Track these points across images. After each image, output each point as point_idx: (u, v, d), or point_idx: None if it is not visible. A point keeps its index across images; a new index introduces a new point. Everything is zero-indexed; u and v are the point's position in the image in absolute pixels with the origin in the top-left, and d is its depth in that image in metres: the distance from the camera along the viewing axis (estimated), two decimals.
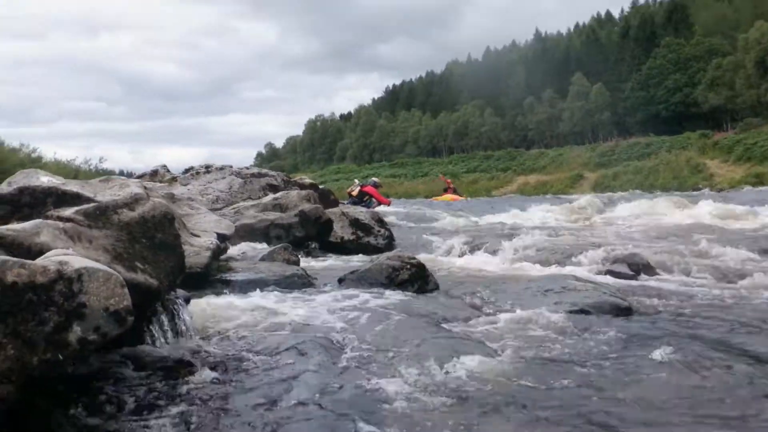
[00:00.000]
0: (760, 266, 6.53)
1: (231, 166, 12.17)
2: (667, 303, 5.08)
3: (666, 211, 13.56)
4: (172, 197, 5.25)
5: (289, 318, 4.19)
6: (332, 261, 7.77)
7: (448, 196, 26.73)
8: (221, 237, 5.20)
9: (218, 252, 4.90)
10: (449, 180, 31.25)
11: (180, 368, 3.14)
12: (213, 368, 3.22)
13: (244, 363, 3.32)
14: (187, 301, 3.76)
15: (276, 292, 5.10)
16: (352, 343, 3.68)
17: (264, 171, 12.37)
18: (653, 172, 46.75)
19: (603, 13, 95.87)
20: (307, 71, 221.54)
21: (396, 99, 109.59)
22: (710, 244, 7.86)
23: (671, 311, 4.76)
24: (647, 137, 58.02)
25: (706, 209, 12.84)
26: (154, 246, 2.74)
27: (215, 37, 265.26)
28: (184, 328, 3.54)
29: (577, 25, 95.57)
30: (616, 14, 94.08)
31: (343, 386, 3.01)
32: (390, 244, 8.97)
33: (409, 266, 5.54)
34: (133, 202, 2.71)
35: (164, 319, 3.40)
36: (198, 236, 4.68)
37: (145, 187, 2.99)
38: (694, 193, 25.83)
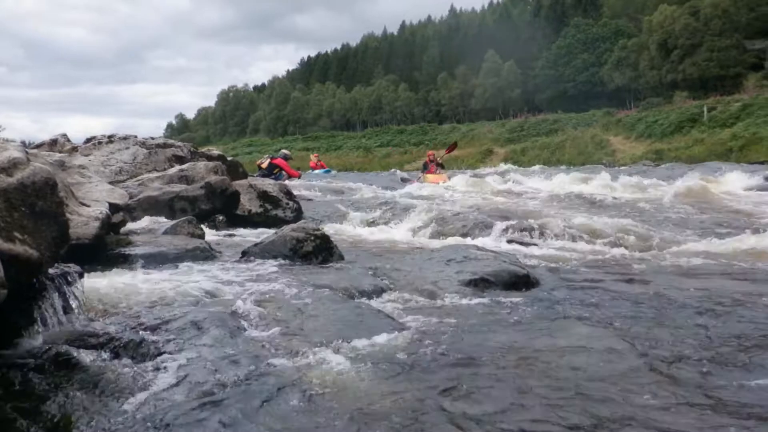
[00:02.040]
0: (651, 235, 6.81)
1: (135, 136, 11.76)
2: (562, 269, 5.25)
3: (567, 184, 13.95)
4: (61, 164, 5.03)
5: (188, 292, 4.10)
6: (238, 234, 7.65)
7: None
8: (114, 207, 5.02)
9: (108, 222, 4.71)
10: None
11: (64, 351, 3.01)
12: (101, 347, 3.11)
13: (136, 341, 3.20)
14: (81, 276, 3.60)
15: (177, 266, 4.98)
16: (252, 317, 3.63)
17: (170, 142, 12.01)
18: (560, 148, 47.96)
19: None
20: (222, 41, 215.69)
21: (311, 71, 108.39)
22: (601, 214, 8.14)
23: (566, 277, 4.93)
24: (555, 114, 59.42)
25: (602, 182, 13.31)
26: (35, 214, 2.59)
27: (126, 1, 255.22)
28: (75, 305, 3.37)
29: (491, 3, 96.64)
30: None
31: (241, 361, 2.96)
32: (298, 216, 8.88)
33: (313, 238, 5.50)
34: (11, 167, 2.55)
35: (54, 296, 3.22)
36: (87, 206, 4.49)
37: (27, 152, 2.82)
38: (596, 167, 26.63)
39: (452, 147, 24.13)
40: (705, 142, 38.80)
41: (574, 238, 6.80)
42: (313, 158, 30.69)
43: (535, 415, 2.45)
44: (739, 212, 8.59)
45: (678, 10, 59.74)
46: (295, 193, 10.31)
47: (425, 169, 20.29)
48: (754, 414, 2.42)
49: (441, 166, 20.18)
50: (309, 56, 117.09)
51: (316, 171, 27.87)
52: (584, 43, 67.91)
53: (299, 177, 16.52)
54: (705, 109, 44.22)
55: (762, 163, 26.56)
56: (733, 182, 13.00)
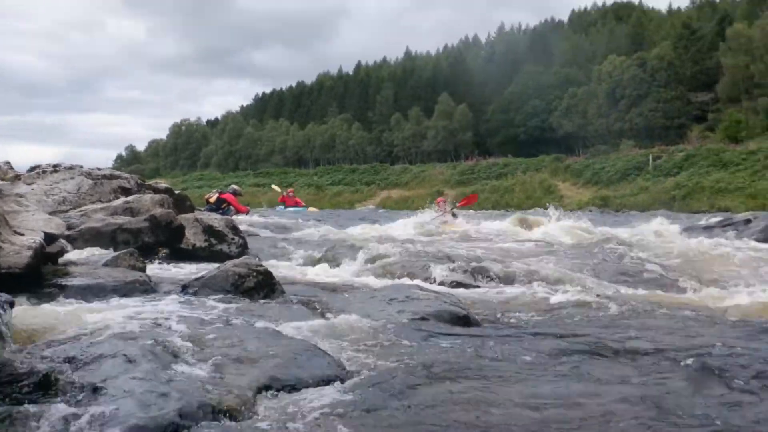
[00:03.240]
0: (593, 277, 6.94)
1: (81, 166, 11.58)
2: (505, 312, 5.31)
3: (515, 228, 14.14)
4: None
5: (123, 325, 4.02)
6: (181, 268, 7.56)
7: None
8: (50, 237, 4.93)
9: (41, 251, 4.62)
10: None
11: None
12: (21, 381, 3.03)
13: (64, 373, 3.14)
14: (11, 305, 3.52)
15: (114, 299, 4.90)
16: (187, 352, 3.57)
17: (117, 173, 11.85)
18: (509, 192, 48.67)
19: (471, 37, 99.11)
20: (177, 73, 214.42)
21: (265, 107, 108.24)
22: (549, 257, 8.26)
23: (507, 320, 4.99)
24: (505, 158, 60.33)
25: (550, 227, 13.52)
26: None
27: (82, 31, 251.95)
28: (3, 335, 3.28)
29: (445, 47, 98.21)
30: (482, 39, 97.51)
31: (171, 396, 2.91)
32: (243, 252, 8.81)
33: (255, 273, 5.46)
34: None
35: None
36: (21, 234, 4.40)
37: None
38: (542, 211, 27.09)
39: (470, 199, 21.27)
40: (650, 190, 39.77)
41: (514, 282, 6.90)
42: (288, 192, 28.67)
43: None
44: (681, 261, 8.78)
45: (626, 60, 61.67)
46: (242, 228, 10.25)
47: (438, 216, 17.21)
48: None
49: (453, 215, 17.43)
50: (264, 92, 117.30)
51: (289, 208, 25.67)
52: (535, 90, 69.31)
53: (247, 213, 16.43)
54: (650, 158, 45.41)
55: (704, 212, 27.33)
56: (675, 232, 13.32)
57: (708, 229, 13.52)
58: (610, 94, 61.01)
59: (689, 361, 3.65)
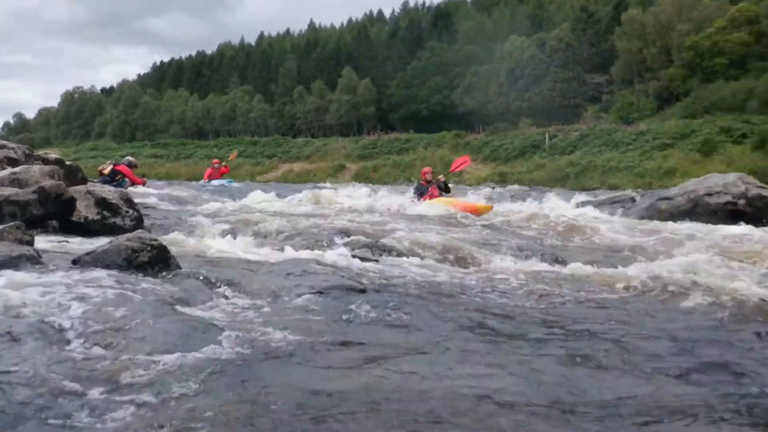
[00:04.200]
0: (488, 252, 7.14)
1: None
2: (400, 285, 5.40)
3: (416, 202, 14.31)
4: None
5: (8, 301, 3.88)
6: (72, 242, 7.32)
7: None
8: None
9: None
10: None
11: None
12: None
13: None
14: None
15: None
16: (76, 328, 3.50)
17: (2, 142, 11.36)
18: (410, 167, 49.08)
19: (375, 12, 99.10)
20: (72, 39, 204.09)
21: (163, 77, 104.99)
22: (449, 233, 8.43)
23: (402, 292, 5.08)
24: (407, 134, 60.78)
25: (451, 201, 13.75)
26: None
27: None
28: None
29: (350, 21, 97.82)
30: (387, 14, 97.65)
31: (59, 373, 2.87)
32: (138, 225, 8.57)
33: (149, 248, 5.35)
34: None
35: None
36: None
37: None
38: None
39: (461, 162, 17.53)
40: (545, 168, 40.95)
41: (412, 256, 7.00)
42: (214, 164, 25.54)
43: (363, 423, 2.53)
44: (567, 236, 9.13)
45: (527, 41, 63.01)
46: (138, 201, 10.00)
47: (421, 193, 14.10)
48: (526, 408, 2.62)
49: (445, 188, 14.48)
50: (162, 61, 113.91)
51: (213, 182, 23.02)
52: (438, 67, 69.91)
53: (144, 185, 16.00)
54: (547, 136, 46.71)
55: (595, 189, 28.40)
56: (565, 207, 13.80)
57: (598, 206, 14.10)
58: (511, 73, 62.30)
59: (572, 331, 3.85)
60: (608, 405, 2.85)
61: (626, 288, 5.45)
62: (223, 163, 26.33)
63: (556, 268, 6.55)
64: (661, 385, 3.12)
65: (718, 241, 8.11)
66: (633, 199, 14.64)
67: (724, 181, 11.63)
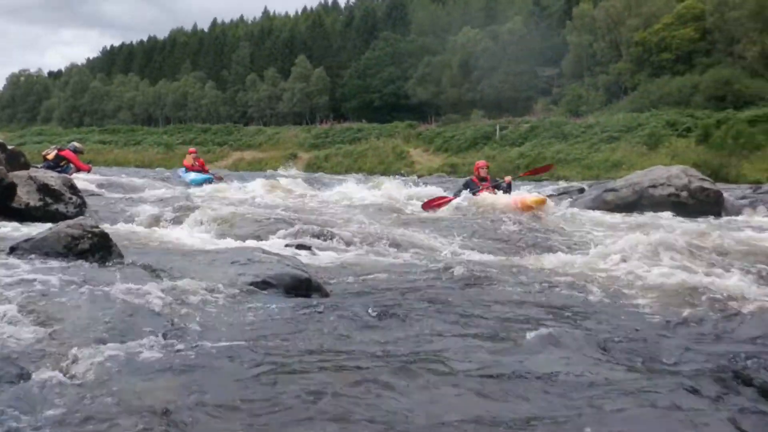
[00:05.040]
0: (433, 244, 7.22)
1: None
2: (345, 273, 5.44)
3: (365, 192, 14.35)
4: None
5: None
6: (11, 228, 7.19)
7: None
8: None
9: None
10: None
11: None
12: None
13: None
14: None
15: None
16: (12, 317, 3.45)
17: None
18: (362, 156, 49.11)
19: (330, 1, 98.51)
20: (18, 20, 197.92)
21: (113, 61, 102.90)
22: (394, 221, 8.49)
23: (348, 281, 5.13)
24: (360, 123, 60.72)
25: (400, 192, 13.85)
26: None
27: None
28: None
29: (304, 9, 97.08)
30: (342, 3, 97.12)
31: None
32: (81, 212, 8.47)
33: (90, 235, 5.28)
34: None
35: None
36: None
37: None
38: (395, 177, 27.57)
39: (543, 169, 16.56)
40: (496, 159, 41.25)
41: (359, 245, 7.04)
42: (188, 157, 21.08)
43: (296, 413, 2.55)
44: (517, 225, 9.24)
45: (480, 33, 63.34)
46: (81, 187, 9.85)
47: (471, 189, 11.89)
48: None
49: (498, 187, 12.07)
50: (112, 45, 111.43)
51: (192, 176, 19.24)
52: (392, 57, 69.85)
53: (89, 171, 15.68)
54: (498, 128, 47.13)
55: (543, 180, 28.79)
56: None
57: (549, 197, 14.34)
58: (464, 64, 62.55)
59: (519, 314, 3.93)
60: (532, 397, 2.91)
61: (566, 275, 5.55)
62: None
63: (509, 256, 6.64)
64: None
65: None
66: (582, 190, 14.91)
67: (668, 174, 11.92)
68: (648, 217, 10.34)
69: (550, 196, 14.57)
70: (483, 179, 12.06)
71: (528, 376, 3.02)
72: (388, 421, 2.52)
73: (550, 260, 6.31)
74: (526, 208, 10.27)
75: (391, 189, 14.16)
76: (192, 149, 23.05)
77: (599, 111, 47.63)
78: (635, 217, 10.38)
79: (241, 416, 2.53)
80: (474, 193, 11.75)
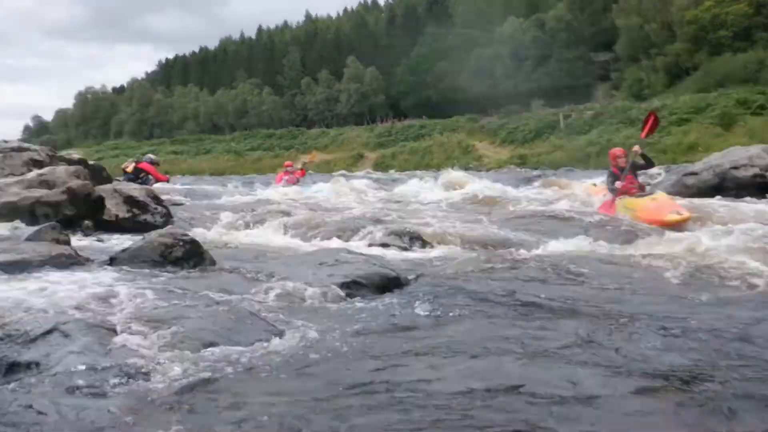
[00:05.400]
0: (521, 239, 7.13)
1: None
2: (432, 272, 5.42)
3: (443, 188, 14.29)
4: None
5: (53, 299, 3.97)
6: (106, 240, 7.42)
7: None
8: None
9: None
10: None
11: None
12: None
13: None
14: None
15: (41, 273, 4.78)
16: (121, 324, 3.55)
17: (26, 145, 11.46)
18: (428, 153, 49.05)
19: (370, 0, 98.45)
20: (74, 40, 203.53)
21: (170, 73, 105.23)
22: (478, 218, 8.42)
23: (434, 280, 5.08)
24: (421, 120, 60.64)
25: (477, 187, 13.70)
26: None
27: None
28: None
29: (345, 10, 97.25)
30: (381, 1, 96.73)
31: (111, 368, 2.90)
32: (168, 221, 8.69)
33: (182, 243, 5.41)
34: None
35: None
36: None
37: None
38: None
39: (653, 124, 11.74)
40: (565, 148, 40.68)
41: (443, 242, 7.01)
42: (286, 167, 20.09)
43: (410, 416, 2.54)
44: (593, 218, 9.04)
45: (525, 22, 62.38)
46: (164, 197, 10.09)
47: (613, 181, 10.13)
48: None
49: (646, 164, 10.44)
50: (167, 58, 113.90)
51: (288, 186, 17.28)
52: (440, 52, 69.09)
53: (168, 181, 16.08)
54: (561, 116, 46.44)
55: None
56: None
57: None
58: (515, 55, 61.65)
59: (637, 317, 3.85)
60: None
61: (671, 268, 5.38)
62: (298, 166, 21.47)
63: (595, 250, 6.49)
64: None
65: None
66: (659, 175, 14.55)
67: (748, 154, 11.55)
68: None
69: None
70: (623, 169, 10.05)
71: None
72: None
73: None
74: (666, 224, 8.38)
75: (467, 183, 14.04)
76: (288, 162, 22.32)
77: (663, 93, 46.41)
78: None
79: (354, 417, 2.52)
80: (613, 187, 10.01)
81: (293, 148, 62.21)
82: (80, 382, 2.77)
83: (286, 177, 19.51)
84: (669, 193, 10.48)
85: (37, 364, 2.96)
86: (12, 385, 2.75)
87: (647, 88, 49.97)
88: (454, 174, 15.65)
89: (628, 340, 3.39)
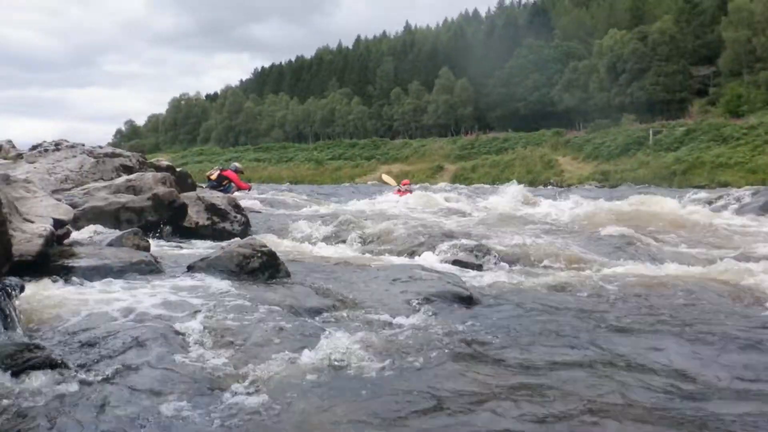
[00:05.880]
0: (595, 259, 6.98)
1: (83, 145, 11.63)
2: (506, 291, 5.36)
3: (518, 204, 14.15)
4: (6, 179, 4.94)
5: (132, 307, 4.06)
6: (185, 247, 7.59)
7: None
8: (58, 222, 4.95)
9: (52, 239, 4.65)
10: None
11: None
12: (32, 364, 3.07)
13: (77, 356, 3.20)
14: (21, 289, 3.57)
15: (121, 280, 4.91)
16: (196, 334, 3.62)
17: (118, 151, 11.91)
18: (509, 167, 48.64)
19: (471, 11, 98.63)
20: (176, 48, 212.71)
21: (264, 82, 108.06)
22: (552, 236, 8.29)
23: (509, 299, 5.03)
24: (506, 133, 60.26)
25: (552, 204, 13.51)
26: None
27: (80, 4, 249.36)
28: (14, 319, 3.33)
29: (445, 21, 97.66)
30: (482, 13, 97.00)
31: (184, 380, 2.97)
32: (246, 230, 8.86)
33: (260, 254, 5.48)
34: None
35: None
36: (31, 222, 4.42)
37: None
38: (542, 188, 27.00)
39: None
40: (650, 165, 39.72)
41: (518, 260, 6.92)
42: (402, 185, 19.35)
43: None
44: (684, 237, 8.83)
45: (627, 34, 61.30)
46: (244, 205, 10.29)
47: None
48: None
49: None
50: (263, 66, 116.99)
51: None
52: (536, 64, 68.81)
53: (249, 189, 16.42)
54: (651, 132, 45.31)
55: (702, 187, 27.34)
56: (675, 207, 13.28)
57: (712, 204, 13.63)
58: (611, 68, 60.73)
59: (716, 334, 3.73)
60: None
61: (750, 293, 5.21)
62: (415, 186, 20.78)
63: (675, 271, 6.31)
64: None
65: None
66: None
67: None
68: None
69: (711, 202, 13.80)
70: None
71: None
72: None
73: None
74: None
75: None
76: (405, 181, 21.75)
77: (762, 111, 44.72)
78: None
79: None
80: None
81: (374, 158, 62.66)
82: (152, 392, 2.85)
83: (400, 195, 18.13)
84: (758, 215, 10.89)
85: (112, 372, 3.03)
86: (86, 392, 2.82)
87: (746, 104, 48.24)
88: (512, 189, 15.40)
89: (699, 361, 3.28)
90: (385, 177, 22.53)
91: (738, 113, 46.34)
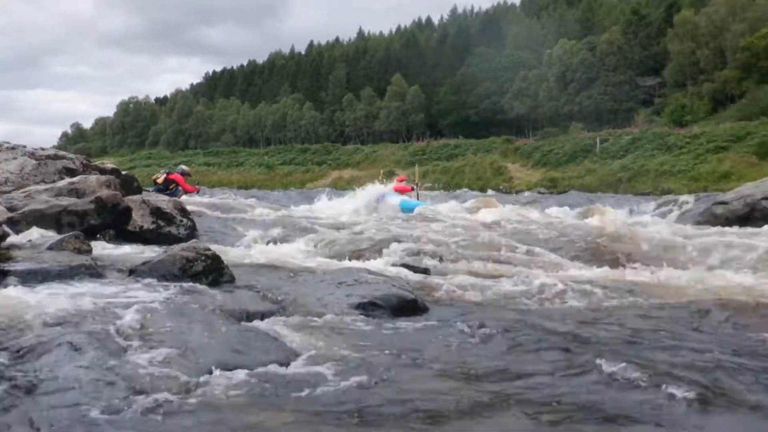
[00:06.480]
0: (544, 261, 7.07)
1: (24, 146, 11.36)
2: (449, 295, 5.40)
3: (468, 210, 14.24)
4: None
5: (69, 311, 3.96)
6: (128, 251, 7.43)
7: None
8: None
9: None
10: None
11: None
12: None
13: (7, 362, 3.13)
14: None
15: (59, 284, 4.82)
16: (134, 338, 3.55)
17: (61, 153, 11.65)
18: (459, 173, 49.04)
19: (423, 19, 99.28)
20: (126, 50, 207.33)
21: (215, 86, 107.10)
22: (501, 240, 8.35)
23: (453, 303, 5.08)
24: (456, 140, 60.70)
25: (504, 210, 13.63)
26: None
27: (27, 3, 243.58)
28: None
29: (398, 28, 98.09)
30: (435, 21, 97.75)
31: (118, 385, 2.92)
32: (192, 234, 8.73)
33: (203, 258, 5.43)
34: None
35: None
36: None
37: None
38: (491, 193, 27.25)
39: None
40: (597, 173, 40.43)
41: (465, 264, 6.97)
42: (398, 181, 19.37)
43: None
44: (622, 243, 8.96)
45: (577, 44, 62.45)
46: (191, 209, 10.16)
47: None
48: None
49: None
50: (214, 70, 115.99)
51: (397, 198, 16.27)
52: (487, 72, 69.59)
53: (197, 192, 16.22)
54: (598, 140, 46.15)
55: (647, 194, 27.93)
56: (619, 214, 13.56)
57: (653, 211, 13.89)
58: (561, 77, 61.87)
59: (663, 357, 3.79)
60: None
61: (678, 297, 5.34)
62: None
63: (612, 275, 6.44)
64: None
65: None
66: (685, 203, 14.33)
67: None
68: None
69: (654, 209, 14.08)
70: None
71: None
72: None
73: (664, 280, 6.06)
74: None
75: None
76: (402, 176, 21.36)
77: (704, 120, 45.99)
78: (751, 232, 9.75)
79: None
80: None
81: (325, 164, 62.59)
82: (84, 397, 2.79)
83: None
84: (697, 222, 11.09)
85: (43, 377, 2.97)
86: (15, 398, 2.76)
87: (689, 114, 49.55)
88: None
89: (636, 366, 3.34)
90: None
91: (682, 123, 47.54)
